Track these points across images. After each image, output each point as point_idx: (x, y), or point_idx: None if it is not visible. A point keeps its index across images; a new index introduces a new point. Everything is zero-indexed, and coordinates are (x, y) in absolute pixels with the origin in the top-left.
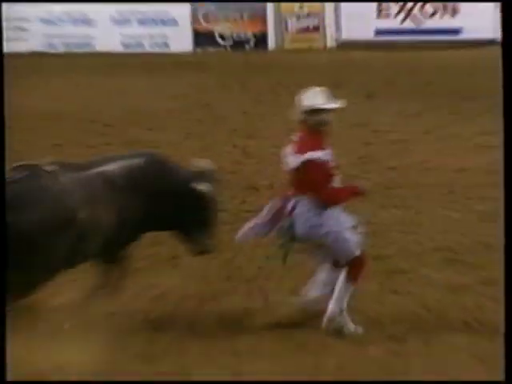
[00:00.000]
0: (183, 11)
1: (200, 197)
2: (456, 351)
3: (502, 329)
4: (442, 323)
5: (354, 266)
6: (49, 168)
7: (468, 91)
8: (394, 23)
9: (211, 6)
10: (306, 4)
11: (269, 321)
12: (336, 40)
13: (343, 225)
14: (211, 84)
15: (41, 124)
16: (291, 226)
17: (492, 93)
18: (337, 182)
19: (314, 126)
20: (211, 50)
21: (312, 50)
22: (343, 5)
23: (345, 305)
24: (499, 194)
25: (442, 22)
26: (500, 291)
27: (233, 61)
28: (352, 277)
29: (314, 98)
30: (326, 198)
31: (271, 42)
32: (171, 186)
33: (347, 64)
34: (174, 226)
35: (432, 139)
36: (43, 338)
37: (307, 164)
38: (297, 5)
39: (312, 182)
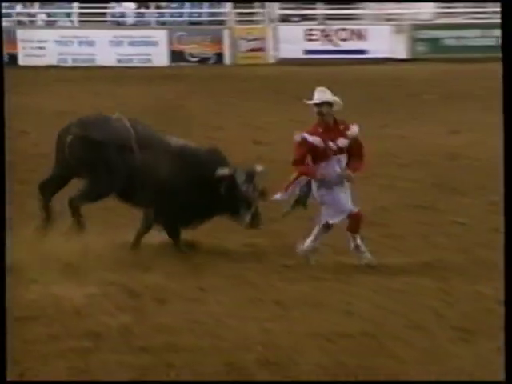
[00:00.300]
0: (162, 35)
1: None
2: (363, 287)
3: None
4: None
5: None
6: None
7: (370, 95)
8: (317, 45)
9: (183, 32)
10: (253, 31)
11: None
12: (275, 58)
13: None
14: (184, 90)
15: (53, 119)
16: (308, 188)
17: (389, 96)
18: (336, 162)
19: (318, 116)
20: (183, 64)
21: (258, 65)
22: (280, 31)
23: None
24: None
25: (353, 44)
26: (395, 244)
27: (199, 73)
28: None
29: (316, 95)
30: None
31: (227, 59)
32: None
33: (284, 76)
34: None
35: None
36: None
37: (296, 142)
38: (246, 31)
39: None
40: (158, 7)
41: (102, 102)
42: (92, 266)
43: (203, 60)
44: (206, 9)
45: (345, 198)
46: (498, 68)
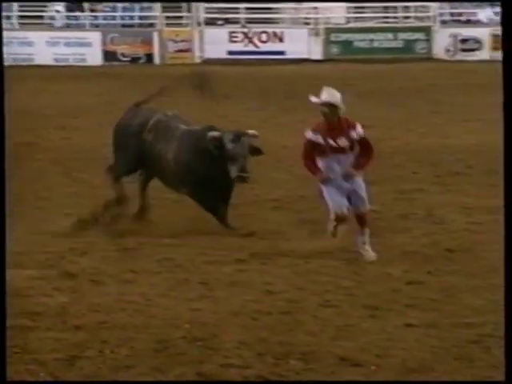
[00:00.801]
0: (96, 37)
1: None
2: (282, 268)
3: None
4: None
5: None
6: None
7: (289, 93)
8: (240, 47)
9: (116, 34)
10: (180, 33)
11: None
12: (201, 58)
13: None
14: (117, 87)
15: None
16: None
17: (306, 93)
18: (335, 161)
19: (322, 115)
20: (116, 64)
21: (185, 65)
22: (206, 33)
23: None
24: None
25: (273, 46)
26: (313, 228)
27: (131, 72)
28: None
29: (322, 94)
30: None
31: (157, 59)
32: None
33: (209, 75)
34: None
35: (268, 126)
36: None
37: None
38: (174, 33)
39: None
40: (92, 10)
41: (40, 99)
42: (32, 250)
43: (134, 60)
44: (137, 12)
45: (339, 194)
46: (405, 68)
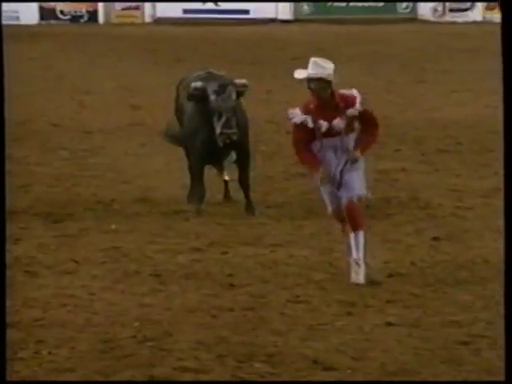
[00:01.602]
0: None
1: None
2: (245, 258)
3: None
4: None
5: None
6: None
7: (254, 58)
8: (198, 4)
9: None
10: None
11: None
12: (152, 17)
13: None
14: (54, 50)
15: None
16: None
17: (272, 59)
18: (331, 148)
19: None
20: (53, 22)
21: (134, 24)
22: None
23: None
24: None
25: (235, 4)
26: (280, 213)
27: (71, 32)
28: None
29: (309, 68)
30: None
31: (101, 18)
32: None
33: (161, 36)
34: None
35: None
36: None
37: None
38: None
39: None
40: None
41: None
42: None
43: (75, 18)
44: None
45: (334, 188)
46: (385, 30)
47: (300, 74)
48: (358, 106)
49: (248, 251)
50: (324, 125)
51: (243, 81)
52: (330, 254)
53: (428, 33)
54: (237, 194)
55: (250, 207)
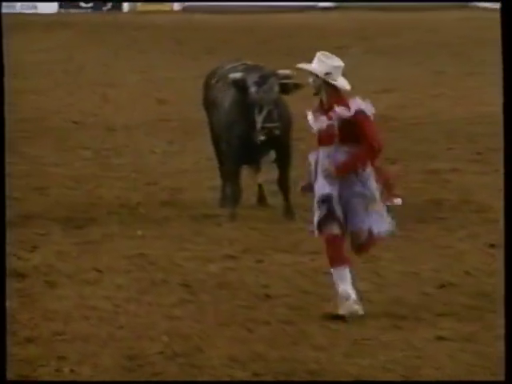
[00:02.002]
0: None
1: None
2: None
3: None
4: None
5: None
6: None
7: (290, 49)
8: None
9: None
10: None
11: None
12: (181, 5)
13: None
14: (75, 41)
15: None
16: None
17: (311, 49)
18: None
19: None
20: (74, 11)
21: (160, 12)
22: None
23: None
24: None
25: None
26: None
27: (93, 21)
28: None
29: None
30: None
31: (125, 6)
32: None
33: (190, 25)
34: None
35: None
36: None
37: None
38: None
39: None
40: None
41: None
42: None
43: (97, 6)
44: None
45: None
46: (433, 18)
47: (301, 65)
48: (357, 105)
49: (286, 259)
50: (313, 124)
51: (287, 71)
52: (376, 262)
53: (480, 20)
54: (272, 197)
55: (288, 211)
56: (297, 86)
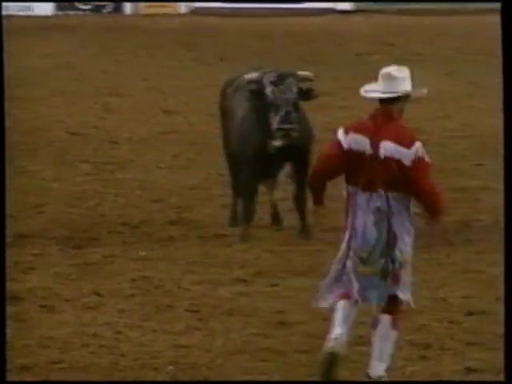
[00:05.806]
0: None
1: None
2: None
3: None
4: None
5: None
6: None
7: (308, 55)
8: None
9: None
10: None
11: None
12: (188, 7)
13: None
14: (73, 45)
15: None
16: None
17: (330, 56)
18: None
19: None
20: (71, 13)
21: (166, 15)
22: None
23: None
24: None
25: None
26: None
27: (92, 24)
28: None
29: (380, 81)
30: None
31: (127, 7)
32: None
33: (199, 29)
34: None
35: None
36: None
37: None
38: None
39: None
40: None
41: None
42: None
43: (97, 8)
44: None
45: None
46: (465, 22)
47: (370, 92)
48: (416, 147)
49: (302, 283)
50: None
51: (306, 73)
52: None
53: None
54: (287, 215)
55: (304, 231)
56: (316, 95)
